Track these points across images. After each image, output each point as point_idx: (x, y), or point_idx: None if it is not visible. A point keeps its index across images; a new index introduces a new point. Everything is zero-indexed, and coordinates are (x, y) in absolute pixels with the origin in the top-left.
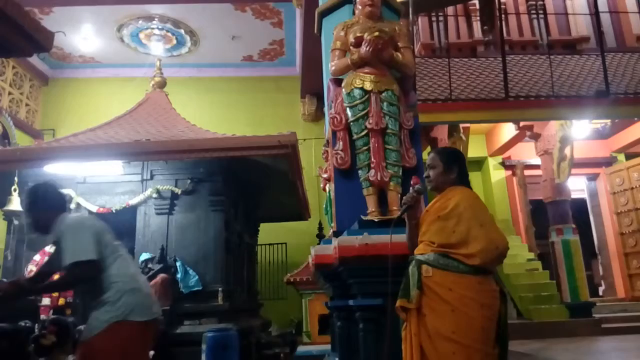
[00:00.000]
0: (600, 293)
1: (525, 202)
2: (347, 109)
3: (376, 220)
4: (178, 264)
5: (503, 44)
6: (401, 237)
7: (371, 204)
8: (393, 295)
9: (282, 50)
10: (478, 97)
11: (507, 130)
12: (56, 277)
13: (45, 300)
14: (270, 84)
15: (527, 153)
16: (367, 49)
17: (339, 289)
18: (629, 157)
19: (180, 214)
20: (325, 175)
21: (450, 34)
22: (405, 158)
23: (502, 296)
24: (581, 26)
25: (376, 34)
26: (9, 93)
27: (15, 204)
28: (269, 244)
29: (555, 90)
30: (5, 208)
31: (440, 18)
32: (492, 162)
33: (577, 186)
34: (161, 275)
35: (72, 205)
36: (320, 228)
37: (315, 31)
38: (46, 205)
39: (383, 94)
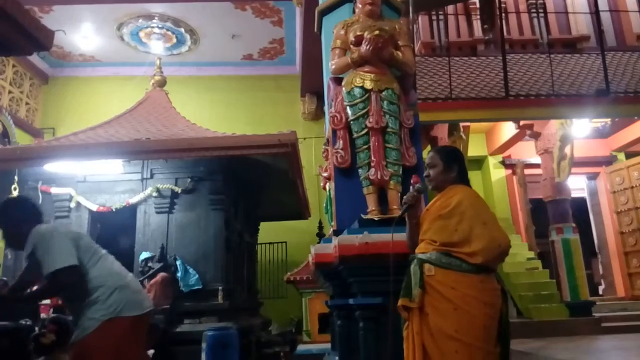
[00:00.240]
0: (600, 292)
1: (525, 201)
2: (348, 107)
3: (376, 219)
4: (178, 262)
5: (503, 43)
6: (401, 236)
7: (371, 203)
8: (394, 294)
9: (282, 48)
10: (478, 96)
11: (507, 129)
12: (35, 287)
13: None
14: (270, 83)
15: (527, 152)
16: (368, 47)
17: (339, 288)
18: (629, 156)
19: (181, 212)
20: (325, 174)
21: (450, 33)
22: (406, 157)
23: (503, 295)
24: (581, 25)
25: (376, 32)
26: (9, 92)
27: None
28: (269, 243)
29: (555, 89)
30: None
31: (441, 17)
32: (492, 161)
33: (577, 185)
34: (161, 274)
35: (72, 204)
36: (321, 227)
37: (316, 30)
38: (19, 220)
39: (383, 93)
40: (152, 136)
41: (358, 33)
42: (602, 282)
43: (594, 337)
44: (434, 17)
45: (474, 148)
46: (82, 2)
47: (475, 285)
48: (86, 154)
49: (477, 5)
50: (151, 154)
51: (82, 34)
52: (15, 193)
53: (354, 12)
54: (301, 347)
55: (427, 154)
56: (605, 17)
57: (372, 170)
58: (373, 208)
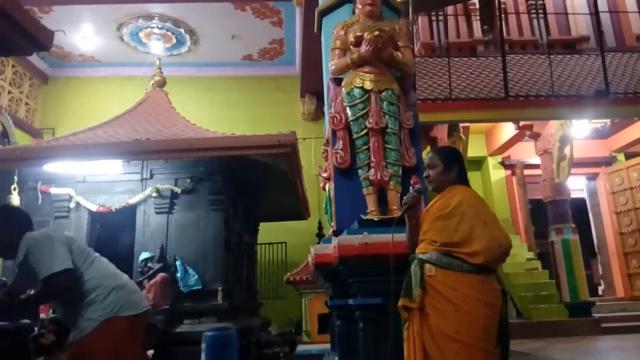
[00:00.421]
0: (600, 292)
1: (525, 202)
2: (347, 108)
3: (376, 219)
4: (178, 263)
5: (503, 44)
6: (401, 237)
7: (371, 203)
8: (394, 294)
9: (282, 49)
10: (478, 96)
11: (507, 130)
12: (32, 292)
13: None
14: (270, 83)
15: (526, 152)
16: (367, 48)
17: (338, 288)
18: (628, 156)
19: (180, 213)
20: (325, 175)
21: (450, 34)
22: (405, 157)
23: (503, 295)
24: (581, 26)
25: (376, 33)
26: (9, 92)
27: (15, 202)
28: (269, 243)
29: (555, 89)
30: None
31: (440, 17)
32: (492, 162)
33: (576, 186)
34: (161, 274)
35: (72, 205)
36: (320, 227)
37: (315, 30)
38: (8, 229)
39: (383, 93)
40: (151, 136)
41: (358, 34)
42: (602, 282)
43: (594, 338)
44: (433, 18)
45: (474, 149)
46: (82, 3)
47: (475, 285)
48: (86, 154)
49: (477, 6)
50: (151, 154)
51: (81, 34)
52: (14, 193)
53: (353, 12)
54: (301, 348)
55: (426, 154)
56: (605, 18)
57: (372, 171)
58: (373, 208)
